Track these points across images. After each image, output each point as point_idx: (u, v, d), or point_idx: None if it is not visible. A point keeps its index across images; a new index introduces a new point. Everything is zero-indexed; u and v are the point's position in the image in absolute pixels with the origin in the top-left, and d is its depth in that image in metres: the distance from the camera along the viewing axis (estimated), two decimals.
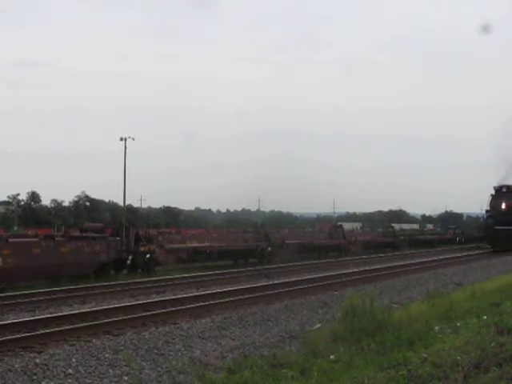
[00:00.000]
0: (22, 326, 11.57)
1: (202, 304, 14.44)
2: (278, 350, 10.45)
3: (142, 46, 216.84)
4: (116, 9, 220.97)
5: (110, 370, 8.88)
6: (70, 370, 8.68)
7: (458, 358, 8.07)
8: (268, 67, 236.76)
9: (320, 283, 19.67)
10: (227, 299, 15.40)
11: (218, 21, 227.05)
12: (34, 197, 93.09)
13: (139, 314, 12.96)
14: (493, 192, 44.26)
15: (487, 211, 44.52)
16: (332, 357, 9.64)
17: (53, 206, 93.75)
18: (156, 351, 10.05)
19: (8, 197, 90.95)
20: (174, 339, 10.85)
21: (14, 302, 15.13)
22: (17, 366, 8.57)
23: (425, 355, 8.60)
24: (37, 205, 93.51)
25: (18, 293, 16.76)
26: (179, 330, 11.52)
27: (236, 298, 15.73)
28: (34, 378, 8.29)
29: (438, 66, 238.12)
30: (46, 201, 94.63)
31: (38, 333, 10.75)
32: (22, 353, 9.32)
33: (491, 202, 43.73)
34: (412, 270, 25.39)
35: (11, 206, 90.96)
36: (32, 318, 12.51)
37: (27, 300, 15.46)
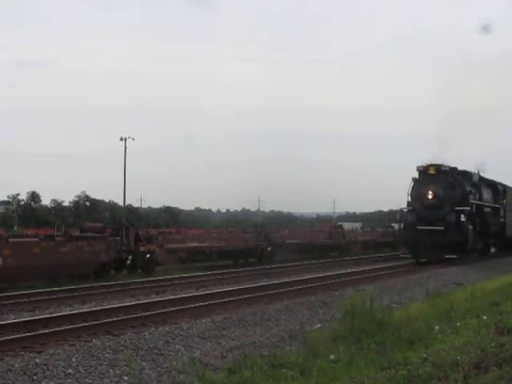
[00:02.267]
0: (21, 325, 11.57)
1: (201, 304, 14.43)
2: (278, 350, 10.45)
3: (142, 46, 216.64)
4: (116, 9, 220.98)
5: (110, 370, 8.88)
6: (70, 370, 8.68)
7: (458, 358, 8.09)
8: (268, 67, 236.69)
9: (320, 283, 19.67)
10: (227, 299, 15.40)
11: (217, 21, 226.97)
12: (34, 197, 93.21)
13: (139, 314, 12.96)
14: (416, 175, 30.11)
15: (409, 203, 30.24)
16: (332, 357, 9.65)
17: (53, 205, 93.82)
18: (156, 351, 10.05)
19: (8, 197, 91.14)
20: (173, 339, 10.85)
21: (13, 302, 15.13)
22: (17, 365, 8.57)
23: (425, 355, 8.61)
24: (37, 205, 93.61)
25: (17, 293, 16.76)
26: (179, 330, 11.52)
27: (236, 297, 15.73)
28: (34, 378, 8.29)
29: (438, 66, 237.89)
30: (46, 201, 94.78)
31: (37, 333, 10.75)
32: (22, 353, 9.31)
33: (413, 189, 29.77)
34: (412, 270, 25.40)
35: (11, 206, 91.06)
36: (32, 318, 12.51)
37: (27, 300, 15.47)
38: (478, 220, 31.22)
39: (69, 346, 9.83)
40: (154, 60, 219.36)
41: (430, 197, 29.15)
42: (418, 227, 29.04)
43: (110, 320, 12.23)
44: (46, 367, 8.65)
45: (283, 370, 8.96)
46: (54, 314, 13.18)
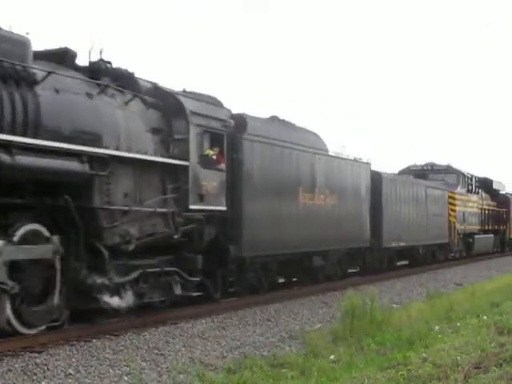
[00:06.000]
0: None
1: (202, 304, 14.40)
2: (278, 350, 10.45)
3: (143, 45, 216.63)
4: (116, 8, 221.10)
5: (110, 370, 8.87)
6: (70, 370, 8.66)
7: (458, 358, 8.11)
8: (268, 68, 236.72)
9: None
10: (227, 299, 15.36)
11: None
12: None
13: (139, 314, 12.93)
14: None
15: None
16: (332, 357, 9.66)
17: None
18: (156, 351, 10.04)
19: None
20: (173, 339, 10.84)
21: None
22: (17, 366, 8.56)
23: (425, 355, 8.63)
24: None
25: None
26: (179, 330, 11.51)
27: (236, 297, 15.68)
28: (34, 378, 8.27)
29: (438, 65, 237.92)
30: None
31: (37, 333, 10.72)
32: (22, 353, 9.30)
33: None
34: (412, 271, 25.40)
35: None
36: None
37: None
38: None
39: (69, 346, 9.82)
40: (155, 59, 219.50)
41: None
42: None
43: (110, 320, 12.21)
44: (46, 367, 8.63)
45: (283, 370, 8.96)
46: None
